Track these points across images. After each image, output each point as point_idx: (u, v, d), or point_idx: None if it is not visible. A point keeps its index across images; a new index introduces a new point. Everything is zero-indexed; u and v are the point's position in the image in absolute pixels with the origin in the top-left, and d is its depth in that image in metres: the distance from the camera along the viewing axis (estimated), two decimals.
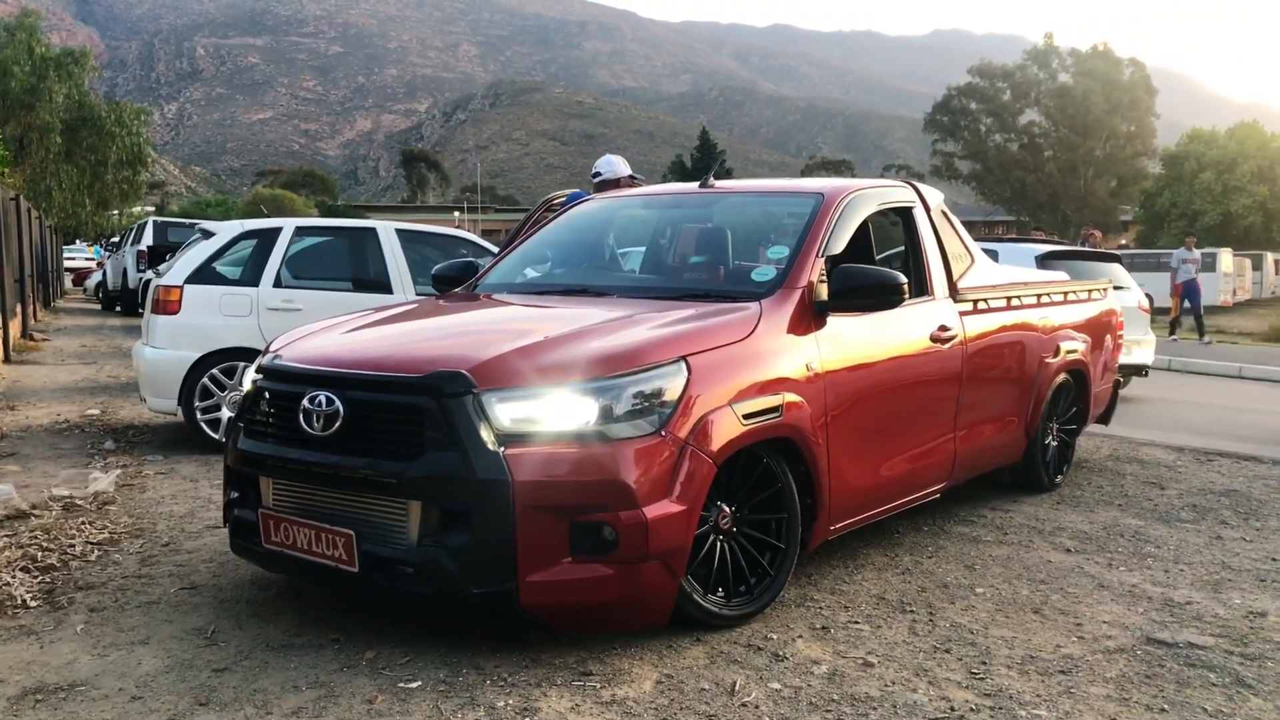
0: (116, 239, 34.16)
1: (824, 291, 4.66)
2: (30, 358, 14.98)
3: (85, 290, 35.31)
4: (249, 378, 4.46)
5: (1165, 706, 3.63)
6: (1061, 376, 6.68)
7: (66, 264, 41.04)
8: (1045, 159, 66.15)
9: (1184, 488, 7.06)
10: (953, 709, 3.54)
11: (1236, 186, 51.32)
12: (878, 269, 4.75)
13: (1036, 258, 10.94)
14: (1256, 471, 7.73)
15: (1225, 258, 38.00)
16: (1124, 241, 55.26)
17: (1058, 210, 63.73)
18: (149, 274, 15.77)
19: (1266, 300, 40.32)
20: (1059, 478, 6.92)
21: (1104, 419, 7.82)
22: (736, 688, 3.65)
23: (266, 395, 4.26)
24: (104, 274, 29.92)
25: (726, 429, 4.01)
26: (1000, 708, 3.56)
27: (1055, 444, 6.85)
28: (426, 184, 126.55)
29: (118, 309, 26.31)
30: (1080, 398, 7.07)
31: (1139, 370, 11.46)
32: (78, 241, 48.15)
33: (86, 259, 44.44)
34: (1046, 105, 66.99)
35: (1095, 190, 64.81)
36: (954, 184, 66.77)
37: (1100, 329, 7.33)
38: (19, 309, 16.80)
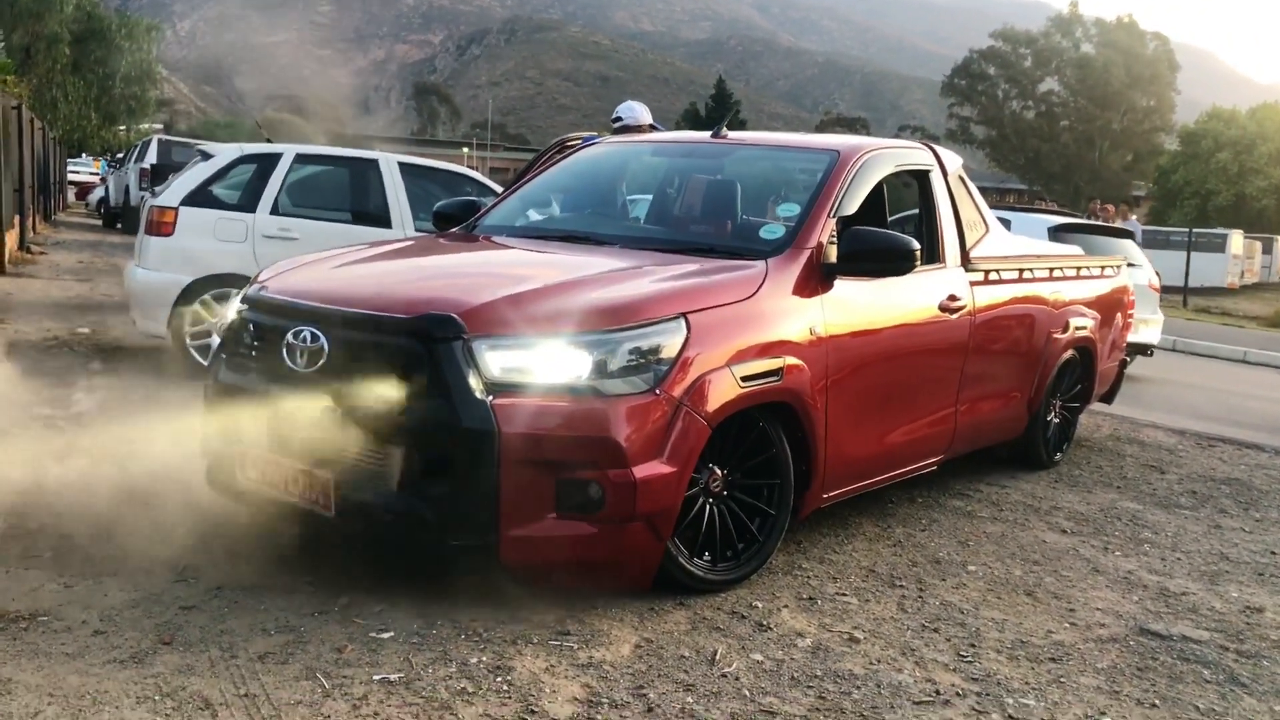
0: (121, 155, 33.78)
1: (833, 253, 4.50)
2: (26, 270, 14.82)
3: (87, 205, 35.02)
4: (233, 308, 4.31)
5: (1156, 702, 3.54)
6: (1069, 353, 6.54)
7: (70, 177, 40.64)
8: (1062, 129, 65.55)
9: (1184, 473, 6.94)
10: (938, 692, 3.44)
11: (1253, 168, 50.89)
12: (891, 233, 4.59)
13: (1049, 229, 10.76)
14: (1258, 460, 7.62)
15: (1236, 239, 37.73)
16: (1133, 217, 54.79)
17: (1070, 181, 63.24)
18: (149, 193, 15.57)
19: (1274, 284, 40.13)
20: (1058, 456, 6.80)
21: (1108, 398, 7.69)
22: (717, 657, 3.55)
23: (251, 327, 4.13)
24: (106, 190, 29.62)
25: (723, 391, 3.87)
26: (987, 694, 3.46)
27: (1057, 421, 6.73)
28: (437, 118, 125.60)
29: (118, 226, 26.05)
30: (1086, 375, 6.93)
31: (1144, 349, 11.30)
32: (83, 155, 47.65)
33: (91, 173, 44.01)
34: (1067, 75, 66.28)
35: (1110, 163, 64.30)
36: (969, 149, 66.13)
37: (1111, 306, 7.17)
38: (17, 220, 16.60)
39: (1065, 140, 64.77)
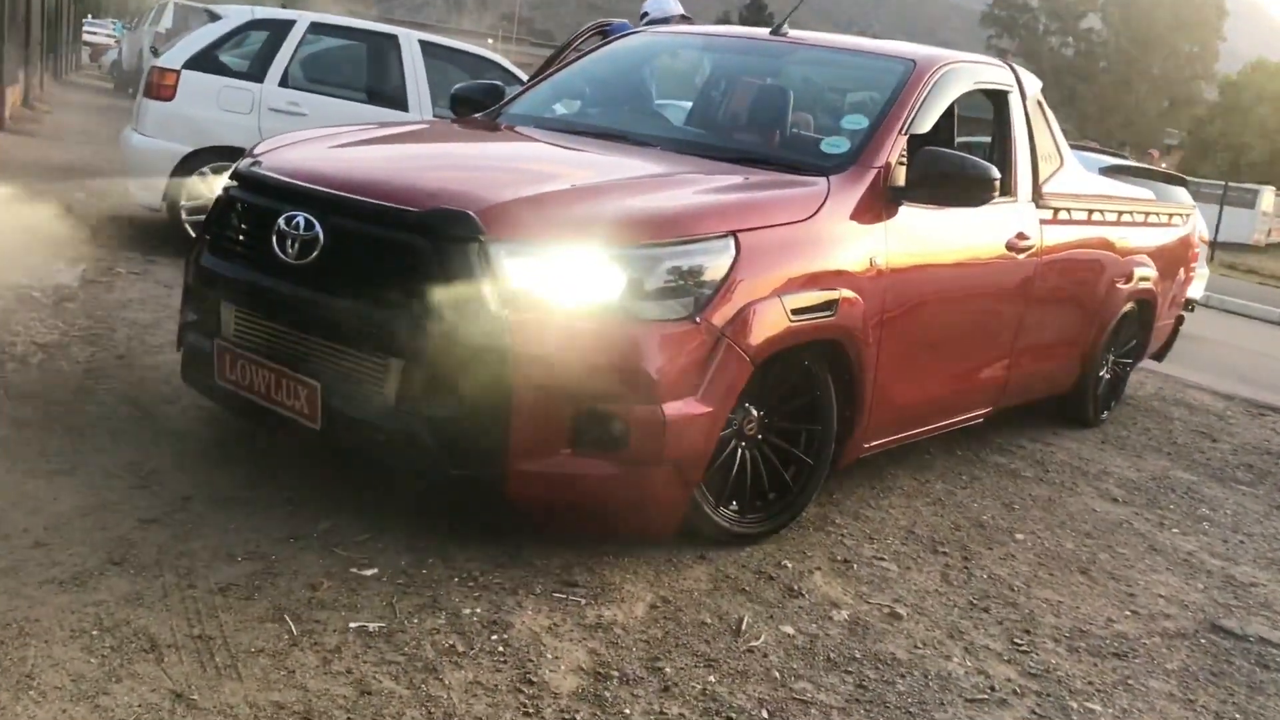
0: (137, 19, 32.82)
1: (901, 176, 3.97)
2: (27, 129, 14.23)
3: (100, 67, 34.20)
4: (221, 183, 3.80)
5: (1237, 716, 3.12)
6: (1129, 305, 6.02)
7: (85, 38, 39.66)
8: (1100, 69, 64.02)
9: (1237, 443, 6.47)
10: (993, 688, 3.01)
11: None
12: (970, 158, 4.04)
13: (1100, 170, 10.14)
14: None
15: (1267, 196, 36.84)
16: (1164, 165, 53.64)
17: (1105, 123, 61.85)
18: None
19: None
20: (1105, 414, 6.33)
21: (1159, 355, 7.21)
22: (743, 627, 3.11)
23: (239, 207, 3.62)
24: (119, 53, 28.79)
25: (771, 323, 3.38)
26: (1048, 694, 3.03)
27: (1108, 377, 6.24)
28: (463, 6, 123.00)
29: (130, 91, 25.29)
30: (1142, 330, 6.43)
31: (1187, 305, 10.76)
32: (93, 15, 46.35)
33: (107, 35, 42.94)
34: (1111, 13, 64.56)
35: (1145, 108, 62.89)
36: None
37: (1175, 258, 6.65)
38: (21, 76, 15.94)
39: (1103, 81, 63.28)
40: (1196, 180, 36.58)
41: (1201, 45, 62.88)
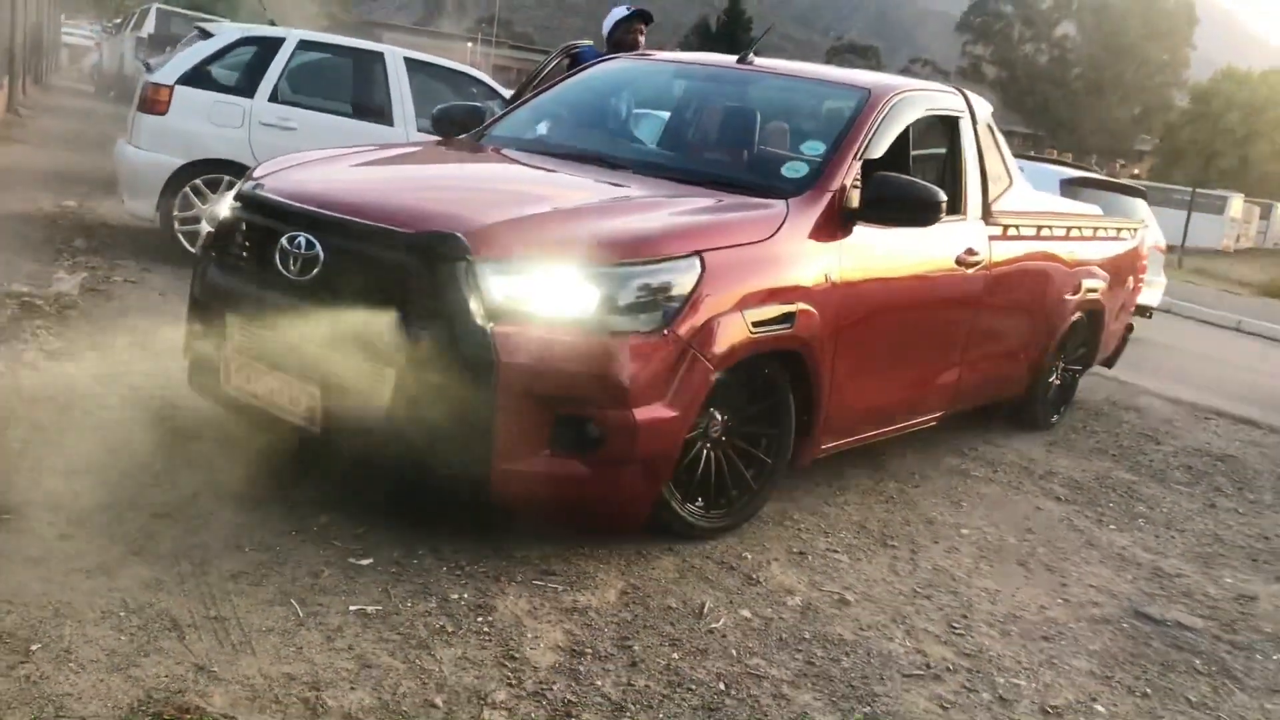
0: (119, 21, 32.90)
1: (856, 198, 4.31)
2: (13, 135, 14.41)
3: (80, 70, 34.25)
4: (226, 204, 4.10)
5: (1148, 691, 3.46)
6: (1077, 315, 6.39)
7: (64, 40, 39.63)
8: (1074, 75, 64.73)
9: (1179, 445, 6.85)
10: (929, 665, 3.35)
11: (1259, 132, 50.37)
12: (918, 182, 4.38)
13: (1061, 182, 10.53)
14: (1252, 437, 7.53)
15: (1236, 203, 37.56)
16: (1136, 172, 54.40)
17: (1077, 130, 62.59)
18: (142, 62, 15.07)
19: (1269, 250, 40.00)
20: (1055, 417, 6.69)
21: (1109, 362, 7.58)
22: (705, 610, 3.44)
23: (243, 227, 3.92)
24: (100, 56, 28.90)
25: (733, 335, 3.71)
26: (978, 671, 3.37)
27: (1058, 383, 6.60)
28: (443, 8, 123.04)
29: (111, 95, 25.42)
30: (1091, 338, 6.80)
31: (1144, 312, 11.16)
32: (78, 18, 46.26)
33: (85, 37, 42.90)
34: (1084, 20, 65.28)
35: (1118, 115, 63.57)
36: (979, 88, 65.11)
37: (1123, 270, 7.02)
38: (5, 82, 16.11)
39: (1076, 88, 63.97)
40: (1167, 187, 37.35)
41: (1172, 53, 63.58)
